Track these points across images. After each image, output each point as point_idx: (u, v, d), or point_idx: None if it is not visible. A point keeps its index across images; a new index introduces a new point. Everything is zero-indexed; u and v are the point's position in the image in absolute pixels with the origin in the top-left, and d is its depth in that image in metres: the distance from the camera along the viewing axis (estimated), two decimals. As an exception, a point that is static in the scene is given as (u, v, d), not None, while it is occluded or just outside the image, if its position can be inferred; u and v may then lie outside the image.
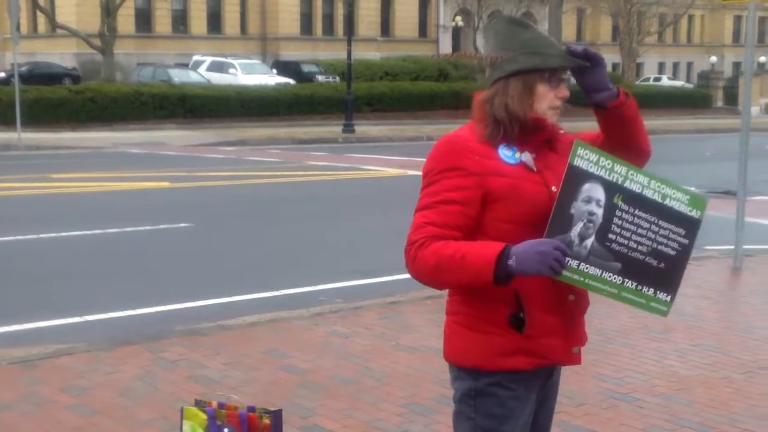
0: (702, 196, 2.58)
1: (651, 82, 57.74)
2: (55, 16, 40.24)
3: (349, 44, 30.66)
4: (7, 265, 9.11)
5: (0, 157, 20.74)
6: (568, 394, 5.25)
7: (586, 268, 2.45)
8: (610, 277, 2.48)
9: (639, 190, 2.49)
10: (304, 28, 51.92)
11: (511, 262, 2.39)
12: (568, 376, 5.61)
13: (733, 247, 9.28)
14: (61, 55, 42.43)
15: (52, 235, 10.64)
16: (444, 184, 2.53)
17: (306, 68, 42.68)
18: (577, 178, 2.42)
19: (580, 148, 2.43)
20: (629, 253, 2.49)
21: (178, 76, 35.51)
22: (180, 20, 48.56)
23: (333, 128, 30.01)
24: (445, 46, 55.75)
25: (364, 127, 30.49)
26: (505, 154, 2.56)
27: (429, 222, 2.51)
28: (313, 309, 7.22)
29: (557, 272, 2.39)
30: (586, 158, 2.43)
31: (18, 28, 24.03)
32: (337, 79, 40.29)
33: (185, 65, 39.88)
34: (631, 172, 2.49)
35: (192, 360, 5.86)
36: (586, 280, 2.46)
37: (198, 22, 48.85)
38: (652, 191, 2.50)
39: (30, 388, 5.30)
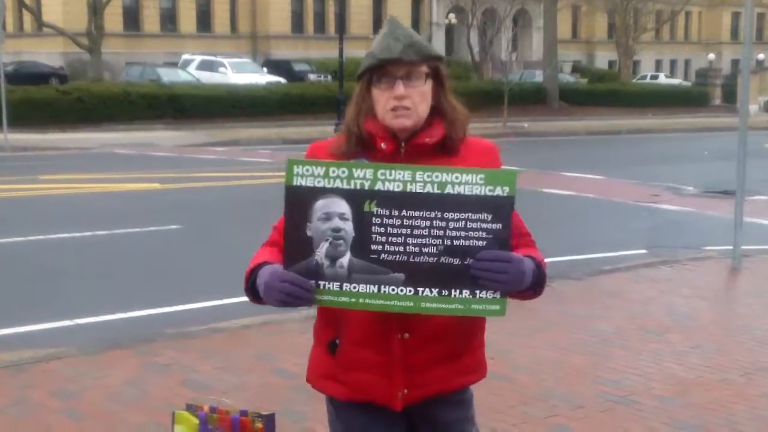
0: (507, 170, 2.28)
1: (648, 80, 57.84)
2: (42, 14, 40.21)
3: (341, 42, 30.66)
4: (-5, 268, 9.11)
5: (-14, 158, 20.71)
6: (564, 398, 5.27)
7: (353, 287, 2.25)
8: (395, 290, 2.25)
9: (399, 189, 2.22)
10: (295, 26, 51.93)
11: (259, 282, 2.35)
12: (562, 378, 5.64)
13: (731, 247, 9.31)
14: (48, 54, 42.37)
15: (41, 237, 10.63)
16: None
17: (297, 67, 42.73)
18: (301, 198, 2.24)
19: (295, 166, 2.22)
20: (411, 260, 2.24)
21: (167, 75, 35.51)
22: (169, 18, 48.54)
23: (325, 128, 30.00)
24: (439, 45, 55.80)
25: (357, 127, 30.44)
26: None
27: (275, 226, 2.56)
28: (306, 312, 7.23)
29: (288, 304, 2.26)
30: (308, 174, 2.22)
31: (3, 27, 24.01)
32: (329, 77, 40.32)
33: (174, 64, 39.88)
34: (381, 172, 2.22)
35: (183, 364, 5.87)
36: (362, 300, 2.26)
37: (187, 20, 48.84)
38: (422, 184, 2.22)
39: (20, 392, 5.31)
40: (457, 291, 2.26)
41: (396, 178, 2.22)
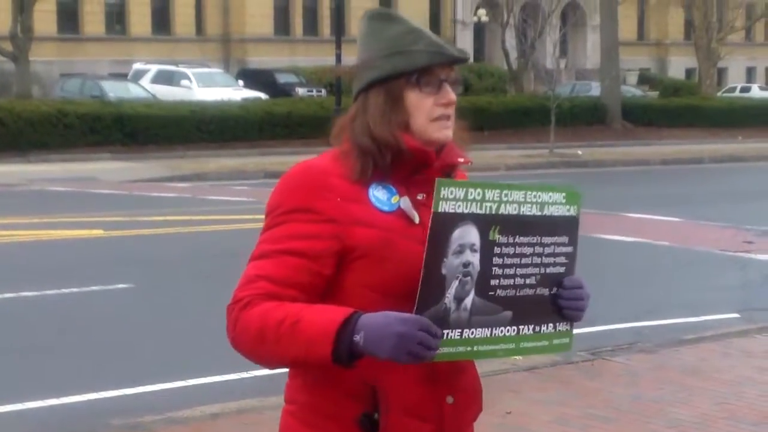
0: (573, 188, 2.61)
1: (737, 94, 57.95)
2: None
3: (339, 47, 30.84)
4: None
5: None
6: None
7: (471, 333, 2.42)
8: (502, 332, 2.47)
9: (516, 211, 2.48)
10: (279, 26, 52.28)
11: (357, 338, 2.31)
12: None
13: None
14: (-40, 63, 42.70)
15: (-52, 300, 10.64)
16: (289, 229, 2.53)
17: (282, 78, 42.93)
18: (445, 228, 2.37)
19: (443, 187, 2.37)
20: (518, 293, 2.48)
21: (113, 90, 35.64)
22: (116, 18, 48.93)
23: (318, 157, 30.10)
24: (465, 47, 56.12)
25: (360, 156, 30.50)
26: (377, 197, 2.53)
27: (263, 275, 2.49)
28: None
29: (421, 359, 2.31)
30: (451, 198, 2.38)
31: None
32: (323, 92, 40.49)
33: (123, 76, 40.09)
34: (505, 192, 2.46)
35: (134, 465, 5.86)
36: (475, 348, 2.44)
37: (140, 19, 49.17)
38: (530, 205, 2.51)
39: None
40: (545, 326, 2.55)
41: (514, 200, 2.47)
